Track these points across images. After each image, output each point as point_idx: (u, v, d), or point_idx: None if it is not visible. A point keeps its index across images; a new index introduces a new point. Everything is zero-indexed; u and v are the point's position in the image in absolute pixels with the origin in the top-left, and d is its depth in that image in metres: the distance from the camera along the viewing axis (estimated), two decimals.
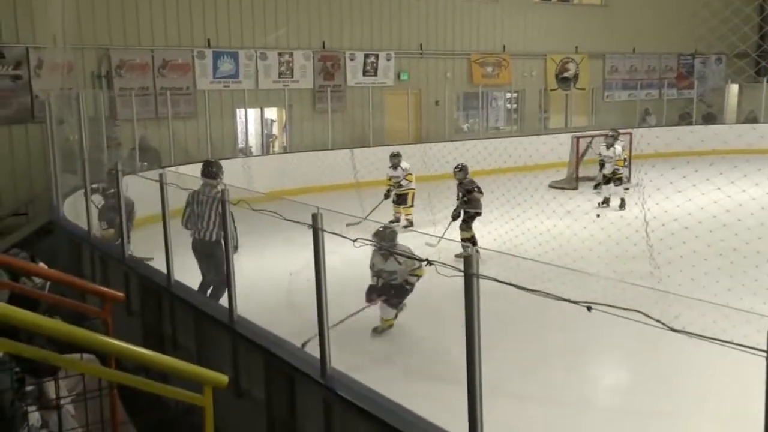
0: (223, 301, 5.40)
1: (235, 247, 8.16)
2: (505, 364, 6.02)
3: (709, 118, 24.03)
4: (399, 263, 7.11)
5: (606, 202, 14.08)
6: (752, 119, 23.69)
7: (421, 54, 19.80)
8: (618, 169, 14.09)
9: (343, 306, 6.82)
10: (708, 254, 8.60)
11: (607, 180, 14.17)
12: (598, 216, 12.84)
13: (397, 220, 12.99)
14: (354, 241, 3.94)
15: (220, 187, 7.96)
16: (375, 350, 6.83)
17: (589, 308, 2.74)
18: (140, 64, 15.57)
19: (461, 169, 10.89)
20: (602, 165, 14.19)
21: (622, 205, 13.84)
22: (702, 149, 19.66)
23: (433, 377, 6.08)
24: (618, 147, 14.38)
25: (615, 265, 8.92)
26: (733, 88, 25.49)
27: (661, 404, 5.69)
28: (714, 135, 21.10)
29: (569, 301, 2.81)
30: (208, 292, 7.68)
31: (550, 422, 5.42)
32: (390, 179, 13.22)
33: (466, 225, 10.51)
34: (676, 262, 8.17)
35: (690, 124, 23.16)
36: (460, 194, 10.64)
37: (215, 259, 7.62)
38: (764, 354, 2.13)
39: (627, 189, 14.30)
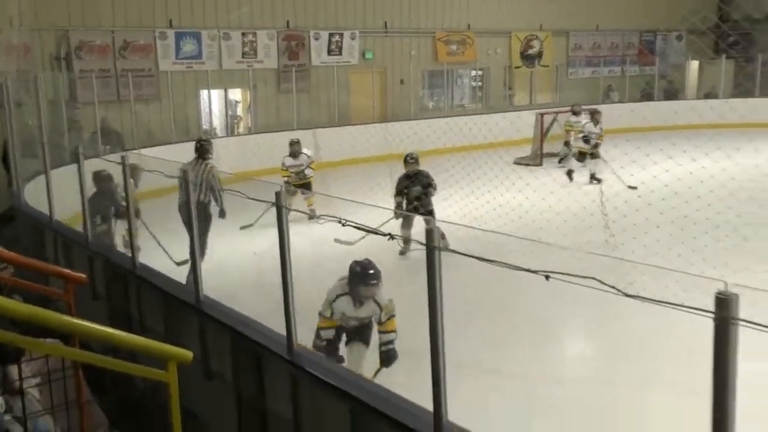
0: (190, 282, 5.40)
1: (223, 212, 8.78)
2: (472, 338, 6.12)
3: (670, 95, 24.39)
4: (379, 306, 5.39)
5: (595, 178, 14.05)
6: (712, 95, 24.09)
7: (385, 32, 19.74)
8: (599, 144, 14.19)
9: (313, 284, 6.85)
10: (661, 222, 8.79)
11: (592, 155, 14.19)
12: (634, 187, 11.64)
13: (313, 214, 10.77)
14: (318, 217, 3.96)
15: (210, 163, 9.10)
16: None
17: (547, 277, 2.81)
18: (100, 45, 15.29)
19: (416, 159, 9.68)
20: (587, 141, 14.20)
21: (594, 179, 13.94)
22: (663, 124, 20.03)
23: (399, 351, 6.13)
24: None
25: (573, 236, 9.07)
26: (693, 65, 25.86)
27: (626, 373, 5.83)
28: (674, 111, 21.48)
29: (527, 270, 2.87)
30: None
31: (515, 395, 5.52)
32: (287, 169, 11.90)
33: (408, 224, 9.35)
34: (630, 230, 8.35)
35: (651, 100, 23.50)
36: (416, 188, 9.41)
37: (208, 219, 8.55)
38: (712, 315, 2.21)
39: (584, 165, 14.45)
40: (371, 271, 5.21)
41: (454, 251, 3.27)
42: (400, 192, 9.48)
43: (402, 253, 8.87)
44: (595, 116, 14.40)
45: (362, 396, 3.71)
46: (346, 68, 19.11)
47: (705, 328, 2.29)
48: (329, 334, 5.37)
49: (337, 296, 5.31)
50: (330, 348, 5.36)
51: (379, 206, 4.66)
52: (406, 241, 8.77)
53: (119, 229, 9.27)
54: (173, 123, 15.69)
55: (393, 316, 5.34)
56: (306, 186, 11.66)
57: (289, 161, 11.93)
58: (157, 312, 5.72)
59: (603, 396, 5.47)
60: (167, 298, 5.56)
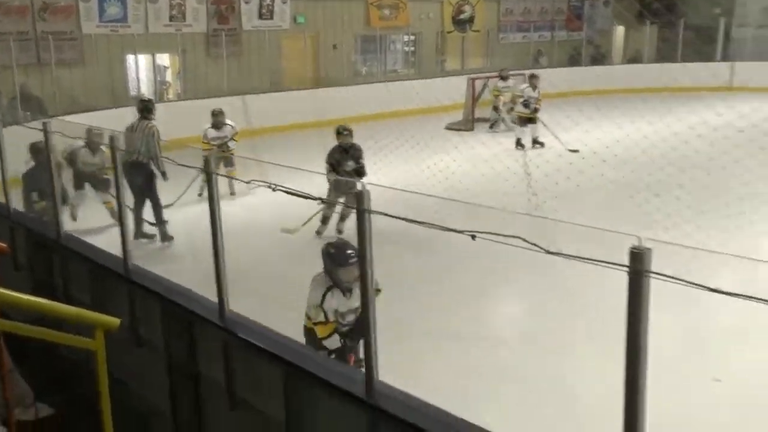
0: (119, 251, 5.29)
1: (164, 173, 8.74)
2: (406, 302, 6.21)
3: (597, 59, 24.90)
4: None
5: (538, 142, 14.20)
6: (636, 59, 24.72)
7: None
8: (538, 109, 14.34)
9: (245, 250, 6.82)
10: (589, 188, 9.05)
11: (531, 120, 14.32)
12: (575, 150, 11.89)
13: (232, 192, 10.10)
14: (247, 182, 3.93)
15: (152, 123, 9.01)
16: (274, 294, 6.84)
17: (473, 237, 2.87)
18: (18, 6, 14.60)
19: (349, 132, 9.02)
20: (526, 105, 14.34)
21: (536, 143, 14.10)
22: (590, 88, 20.47)
23: None
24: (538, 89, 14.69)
25: (503, 200, 9.24)
26: (619, 30, 26.42)
27: (557, 331, 6.03)
28: (601, 75, 21.98)
29: (456, 231, 2.92)
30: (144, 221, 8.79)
31: (448, 356, 5.64)
32: (209, 142, 10.96)
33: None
34: (561, 197, 8.57)
35: (579, 65, 23.95)
36: (349, 162, 8.84)
37: (151, 178, 8.66)
38: (626, 269, 2.30)
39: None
40: (349, 251, 4.58)
41: (384, 213, 3.29)
42: (332, 166, 8.73)
43: (318, 233, 8.54)
44: (532, 81, 14.58)
45: (295, 359, 3.74)
46: (278, 33, 18.79)
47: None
48: (335, 342, 4.66)
49: (324, 295, 4.64)
50: (342, 356, 4.70)
51: (309, 170, 4.63)
52: (325, 220, 8.55)
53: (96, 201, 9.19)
54: (98, 89, 15.16)
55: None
56: (230, 160, 10.76)
57: (213, 133, 11.01)
58: (84, 282, 5.59)
59: (535, 355, 5.64)
60: (94, 268, 5.44)
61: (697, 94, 16.17)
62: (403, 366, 4.30)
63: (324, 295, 4.63)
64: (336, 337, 4.66)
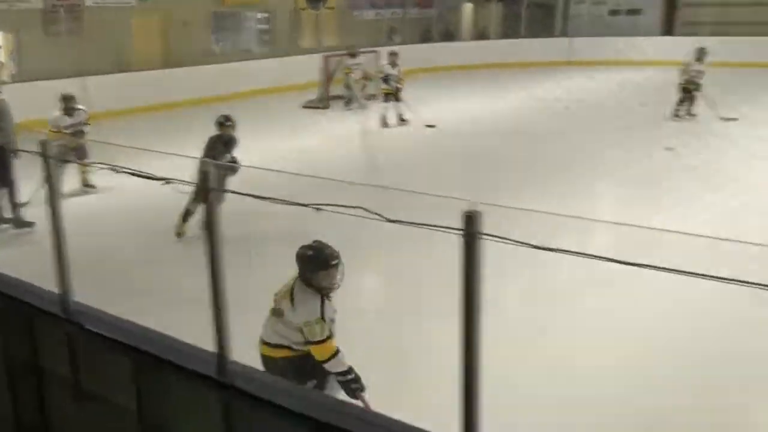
0: None
1: (15, 152, 7.93)
2: (254, 278, 6.16)
3: (448, 36, 25.60)
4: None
5: (402, 119, 14.20)
6: (484, 35, 25.65)
7: None
8: (400, 87, 14.42)
9: (90, 237, 6.52)
10: (442, 161, 9.35)
11: (394, 97, 14.36)
12: (432, 126, 12.38)
13: (87, 185, 9.17)
14: (87, 165, 3.75)
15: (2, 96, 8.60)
16: (117, 282, 6.59)
17: (317, 209, 2.90)
18: None
19: (233, 123, 8.30)
20: (386, 81, 14.38)
21: (402, 120, 14.16)
22: (442, 65, 21.05)
23: (183, 300, 6.04)
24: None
25: (356, 175, 9.38)
26: (467, 7, 27.26)
27: (405, 301, 6.19)
28: (452, 51, 22.64)
29: (299, 204, 2.94)
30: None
31: None
32: (60, 130, 9.47)
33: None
34: (415, 170, 8.80)
35: (431, 41, 24.54)
36: (228, 155, 8.01)
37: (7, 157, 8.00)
38: (461, 232, 2.40)
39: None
40: (328, 251, 4.26)
41: (233, 191, 3.26)
42: (211, 158, 7.76)
43: (179, 234, 7.87)
44: (391, 58, 14.71)
45: (145, 346, 3.63)
46: (126, 10, 17.87)
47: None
48: (342, 361, 4.17)
49: (322, 305, 4.17)
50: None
51: (160, 152, 4.48)
52: (187, 216, 7.77)
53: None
54: None
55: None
56: (81, 151, 9.29)
57: (66, 120, 9.63)
58: None
59: (385, 326, 5.78)
60: None
61: (542, 68, 17.04)
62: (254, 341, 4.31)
63: (322, 306, 4.16)
64: (342, 353, 4.15)
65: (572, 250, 2.31)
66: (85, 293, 4.19)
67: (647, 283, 5.13)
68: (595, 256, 2.31)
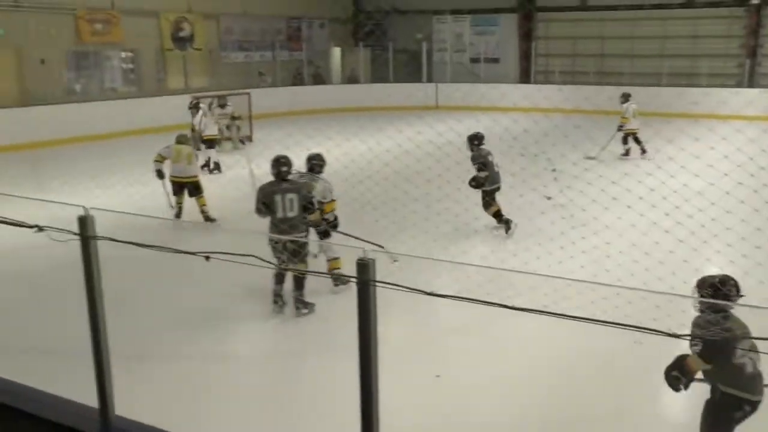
0: None
1: None
2: (136, 328, 5.96)
3: (318, 79, 25.96)
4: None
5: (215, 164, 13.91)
6: (354, 79, 26.23)
7: (16, 7, 17.79)
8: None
9: None
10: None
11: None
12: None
13: None
14: None
15: None
16: None
17: (207, 258, 2.89)
18: None
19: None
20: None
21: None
22: (313, 107, 21.30)
23: (57, 353, 5.74)
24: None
25: (236, 221, 9.27)
26: (336, 51, 27.83)
27: (291, 347, 6.17)
28: (323, 94, 22.98)
29: (188, 252, 2.92)
30: None
31: (184, 377, 5.52)
32: None
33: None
34: None
35: (302, 84, 24.79)
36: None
37: None
38: (355, 280, 2.49)
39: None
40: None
41: (110, 239, 3.18)
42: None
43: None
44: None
45: (17, 403, 3.43)
46: None
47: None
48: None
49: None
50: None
51: (24, 197, 4.27)
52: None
53: None
54: None
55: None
56: None
57: None
58: None
59: (271, 372, 5.74)
60: None
61: (410, 112, 17.64)
62: (133, 394, 4.17)
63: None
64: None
65: (461, 296, 2.44)
66: None
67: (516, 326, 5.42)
68: (481, 301, 2.47)
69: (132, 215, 3.56)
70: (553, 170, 10.46)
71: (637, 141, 14.35)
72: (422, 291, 2.50)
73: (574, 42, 24.68)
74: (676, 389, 3.74)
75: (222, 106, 15.92)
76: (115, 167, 13.04)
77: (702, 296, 3.77)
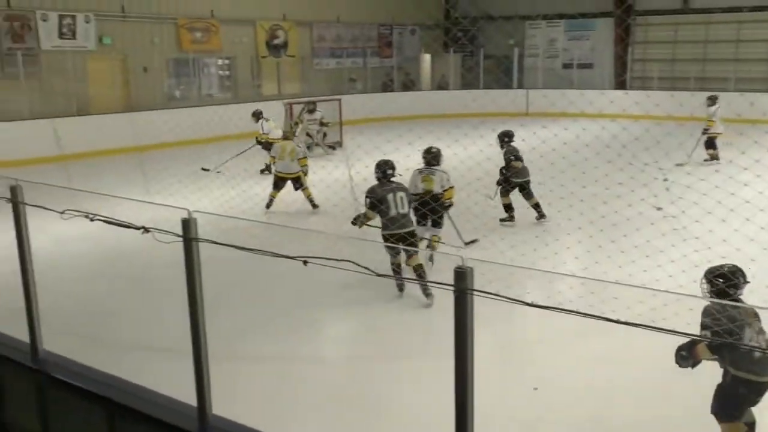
0: None
1: None
2: (233, 327, 6.11)
3: (408, 85, 26.04)
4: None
5: None
6: (444, 85, 26.17)
7: (123, 17, 18.66)
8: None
9: (55, 286, 6.38)
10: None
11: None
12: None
13: None
14: (62, 213, 3.72)
15: None
16: (90, 331, 6.46)
17: (305, 262, 2.92)
18: None
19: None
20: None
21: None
22: (402, 113, 21.36)
23: (158, 350, 5.95)
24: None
25: (331, 225, 9.39)
26: (426, 58, 27.84)
27: (384, 349, 6.19)
28: (412, 100, 23.03)
29: (285, 256, 2.96)
30: None
31: (277, 378, 5.61)
32: None
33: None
34: None
35: (392, 90, 24.92)
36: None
37: None
38: (452, 288, 2.45)
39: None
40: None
41: (213, 242, 3.26)
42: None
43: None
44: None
45: (119, 398, 3.57)
46: (83, 54, 17.78)
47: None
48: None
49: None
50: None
51: (131, 199, 4.45)
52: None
53: None
54: None
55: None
56: None
57: None
58: None
59: (362, 374, 5.76)
60: None
61: (500, 118, 17.39)
62: (232, 392, 4.25)
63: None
64: None
65: (564, 308, 2.37)
66: (56, 342, 4.11)
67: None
68: (589, 315, 2.39)
69: (233, 218, 3.64)
70: (665, 180, 10.09)
71: (713, 145, 13.74)
72: (522, 301, 2.44)
73: (673, 46, 23.84)
74: (683, 366, 3.99)
75: (311, 111, 16.21)
76: (214, 171, 13.47)
77: (712, 286, 4.00)
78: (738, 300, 3.98)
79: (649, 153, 10.68)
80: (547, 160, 10.05)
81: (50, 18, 17.11)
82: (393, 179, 7.18)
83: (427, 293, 6.67)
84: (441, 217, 7.75)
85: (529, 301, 2.42)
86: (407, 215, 7.03)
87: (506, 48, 25.32)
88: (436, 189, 7.67)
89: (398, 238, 6.76)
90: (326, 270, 3.06)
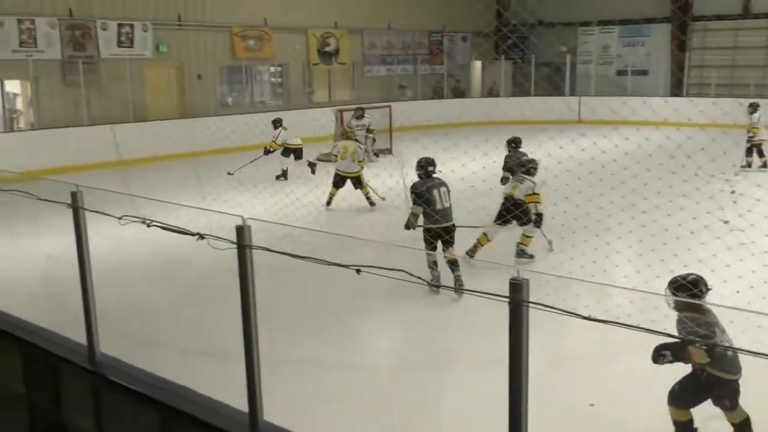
0: None
1: None
2: (284, 334, 6.15)
3: (458, 92, 25.95)
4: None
5: None
6: (494, 93, 26.00)
7: (179, 25, 19.07)
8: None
9: (112, 290, 6.51)
10: (462, 218, 9.35)
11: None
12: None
13: None
14: (120, 218, 3.79)
15: None
16: (144, 334, 6.58)
17: (358, 271, 2.91)
18: None
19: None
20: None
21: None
22: (452, 121, 21.27)
23: (210, 355, 6.03)
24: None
25: (383, 231, 9.39)
26: (477, 65, 27.70)
27: (430, 358, 6.15)
28: (462, 107, 22.92)
29: (339, 265, 2.95)
30: None
31: (329, 385, 5.62)
32: None
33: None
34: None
35: (442, 97, 24.86)
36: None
37: None
38: (507, 300, 2.41)
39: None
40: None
41: (267, 249, 3.27)
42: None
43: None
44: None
45: (172, 402, 3.61)
46: (140, 61, 18.22)
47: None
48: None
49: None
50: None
51: (187, 205, 4.52)
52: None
53: None
54: None
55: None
56: None
57: None
58: None
59: (414, 382, 5.73)
60: None
61: (551, 126, 17.20)
62: (282, 399, 4.26)
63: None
64: None
65: (620, 322, 2.30)
66: (112, 344, 4.18)
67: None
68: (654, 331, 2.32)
69: (287, 226, 3.66)
70: (732, 192, 9.81)
71: (761, 153, 13.77)
72: (579, 315, 2.38)
73: (733, 52, 23.23)
74: (658, 364, 4.24)
75: (359, 117, 16.27)
76: (265, 176, 13.63)
77: (678, 297, 4.32)
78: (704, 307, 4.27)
79: (716, 164, 10.41)
80: (607, 170, 9.86)
81: (110, 27, 17.58)
82: (434, 176, 7.61)
83: (458, 287, 7.00)
84: (527, 219, 8.40)
85: (587, 315, 2.36)
86: (449, 209, 7.45)
87: (558, 55, 25.04)
88: (518, 195, 8.38)
89: (439, 231, 7.29)
90: (379, 277, 3.05)
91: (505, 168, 10.35)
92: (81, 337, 4.08)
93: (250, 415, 3.25)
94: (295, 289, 7.32)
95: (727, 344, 4.14)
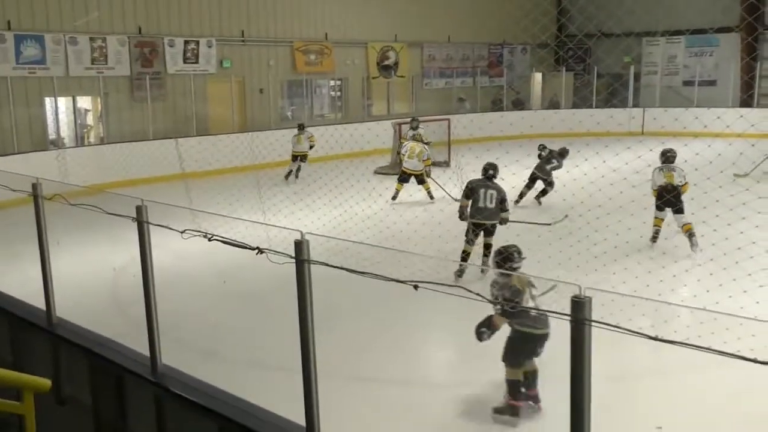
0: (40, 303, 5.05)
1: None
2: (341, 348, 6.15)
3: (518, 104, 25.71)
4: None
5: None
6: (555, 104, 25.66)
7: (243, 41, 19.48)
8: None
9: (174, 302, 6.64)
10: (521, 229, 9.24)
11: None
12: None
13: None
14: (182, 232, 3.85)
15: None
16: (204, 346, 6.68)
17: (415, 287, 2.88)
18: None
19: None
20: None
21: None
22: (512, 133, 21.06)
23: (267, 367, 6.07)
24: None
25: (439, 244, 9.34)
26: (537, 76, 27.40)
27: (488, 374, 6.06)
28: (522, 119, 22.68)
29: (397, 281, 2.93)
30: None
31: (385, 400, 5.60)
32: None
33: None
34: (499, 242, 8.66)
35: (501, 109, 24.67)
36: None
37: None
38: (569, 318, 2.35)
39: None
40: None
41: (325, 264, 3.27)
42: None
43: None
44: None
45: (231, 414, 3.64)
46: (204, 77, 18.66)
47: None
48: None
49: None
50: None
51: (247, 219, 4.58)
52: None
53: None
54: (14, 132, 14.67)
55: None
56: None
57: None
58: (3, 336, 5.32)
59: (471, 401, 5.65)
60: (14, 321, 5.19)
61: (614, 138, 16.87)
62: (340, 414, 4.25)
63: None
64: None
65: (691, 343, 2.21)
66: (173, 355, 4.25)
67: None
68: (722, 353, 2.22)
69: (345, 241, 3.66)
70: None
71: None
72: (645, 335, 2.30)
73: None
74: (483, 340, 5.02)
75: (414, 128, 16.26)
76: (322, 189, 13.72)
77: (496, 263, 5.42)
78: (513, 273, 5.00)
79: None
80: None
81: (176, 44, 18.06)
82: (491, 180, 8.46)
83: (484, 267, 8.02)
84: (682, 204, 9.04)
85: (654, 335, 2.28)
86: (493, 210, 8.28)
87: (621, 65, 24.57)
88: (676, 181, 9.06)
89: (480, 226, 8.24)
90: (436, 293, 3.02)
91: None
92: (144, 348, 4.16)
93: (308, 428, 3.25)
94: (354, 303, 7.33)
95: (527, 305, 4.68)
